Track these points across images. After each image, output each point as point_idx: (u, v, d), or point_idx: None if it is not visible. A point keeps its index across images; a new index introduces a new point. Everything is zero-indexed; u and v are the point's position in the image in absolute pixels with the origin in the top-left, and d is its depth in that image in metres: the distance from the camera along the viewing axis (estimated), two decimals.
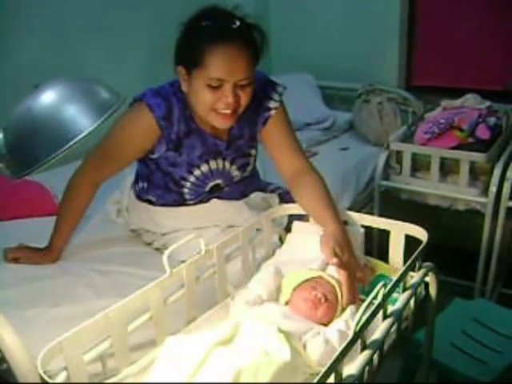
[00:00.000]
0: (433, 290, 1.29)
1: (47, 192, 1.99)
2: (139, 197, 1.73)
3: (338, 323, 1.15)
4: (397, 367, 1.78)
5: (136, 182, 1.75)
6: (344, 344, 0.90)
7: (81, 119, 0.74)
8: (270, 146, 1.62)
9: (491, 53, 2.77)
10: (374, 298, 0.98)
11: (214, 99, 1.39)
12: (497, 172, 2.10)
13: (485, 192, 2.16)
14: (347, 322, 1.14)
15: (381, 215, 2.30)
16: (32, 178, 2.06)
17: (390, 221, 1.36)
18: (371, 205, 2.38)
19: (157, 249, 1.72)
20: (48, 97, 0.76)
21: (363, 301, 1.26)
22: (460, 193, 2.20)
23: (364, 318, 0.94)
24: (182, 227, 1.68)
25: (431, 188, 2.25)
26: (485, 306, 2.04)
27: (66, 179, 1.62)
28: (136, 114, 1.49)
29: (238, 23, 1.38)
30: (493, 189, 2.10)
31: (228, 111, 1.42)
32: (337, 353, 0.88)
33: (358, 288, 1.29)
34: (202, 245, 1.22)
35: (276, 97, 1.59)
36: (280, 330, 1.01)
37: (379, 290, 0.99)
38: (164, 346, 1.01)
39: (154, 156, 1.56)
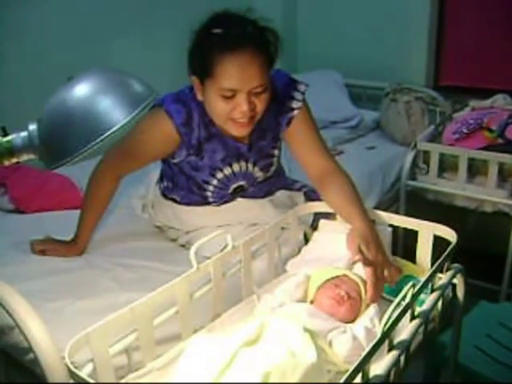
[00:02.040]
0: (460, 292, 1.28)
1: (74, 185, 2.01)
2: (164, 195, 1.73)
3: (364, 320, 1.14)
4: (420, 369, 1.76)
5: (161, 179, 1.75)
6: (372, 344, 0.89)
7: (114, 112, 0.73)
8: (295, 146, 1.58)
9: None
10: (403, 298, 0.97)
11: (228, 109, 1.36)
12: None
13: None
14: (372, 319, 1.14)
15: (406, 215, 2.27)
16: (58, 172, 2.09)
17: (419, 221, 1.34)
18: (397, 205, 2.35)
19: (181, 245, 1.72)
20: (82, 89, 0.75)
21: (391, 301, 1.26)
22: (488, 194, 2.16)
23: (392, 318, 0.92)
24: (205, 225, 1.68)
25: (458, 189, 2.22)
26: (510, 309, 2.01)
27: None
28: (155, 121, 1.47)
29: (248, 29, 1.33)
30: None
31: (244, 120, 1.38)
32: (364, 352, 0.86)
33: (385, 287, 1.28)
34: (229, 240, 1.21)
35: (299, 96, 1.55)
36: (305, 330, 1.00)
37: (408, 291, 0.98)
38: (189, 346, 1.00)
39: (174, 160, 1.55)
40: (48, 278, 1.47)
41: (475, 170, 2.20)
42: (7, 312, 1.08)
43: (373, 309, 1.17)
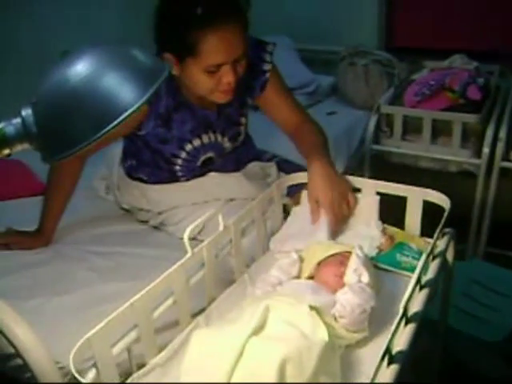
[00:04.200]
0: (450, 257, 1.27)
1: (28, 170, 1.86)
2: (130, 175, 1.64)
3: (348, 277, 1.08)
4: None
5: (124, 159, 1.66)
6: (395, 323, 0.85)
7: (125, 89, 0.63)
8: (271, 108, 1.58)
9: (475, 12, 2.73)
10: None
11: (214, 82, 1.32)
12: (489, 133, 2.07)
13: (477, 153, 2.14)
14: (356, 271, 1.08)
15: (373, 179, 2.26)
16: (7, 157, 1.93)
17: (408, 187, 1.31)
18: (362, 169, 2.33)
19: (154, 227, 1.64)
20: (86, 65, 0.64)
21: (386, 270, 1.23)
22: (453, 155, 2.16)
23: (410, 294, 0.89)
24: (178, 204, 1.60)
25: (423, 151, 2.21)
26: (481, 266, 2.06)
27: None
28: None
29: None
30: (486, 149, 2.08)
31: (231, 87, 1.34)
32: (391, 332, 0.83)
33: (380, 258, 1.27)
34: (220, 221, 1.14)
35: (268, 57, 1.52)
36: (311, 308, 0.96)
37: (422, 267, 0.95)
38: (193, 342, 0.92)
39: (141, 133, 1.46)
40: (17, 274, 1.36)
41: (438, 131, 2.20)
42: None
43: (355, 258, 1.11)
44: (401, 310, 0.87)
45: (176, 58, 1.30)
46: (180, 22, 1.25)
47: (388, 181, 1.34)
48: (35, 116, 0.64)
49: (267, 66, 1.51)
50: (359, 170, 2.35)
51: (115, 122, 0.61)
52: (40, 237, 1.51)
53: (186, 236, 1.05)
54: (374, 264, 1.26)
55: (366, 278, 1.07)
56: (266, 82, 1.52)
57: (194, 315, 1.12)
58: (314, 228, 1.35)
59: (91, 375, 0.86)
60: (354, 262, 1.10)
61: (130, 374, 0.97)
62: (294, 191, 1.53)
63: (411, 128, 2.25)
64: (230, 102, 1.50)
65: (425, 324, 1.60)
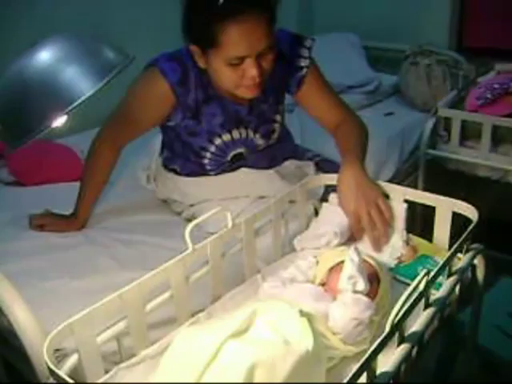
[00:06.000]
0: (480, 274, 1.18)
1: (76, 156, 1.93)
2: (165, 166, 1.66)
3: (342, 284, 1.03)
4: (435, 350, 1.68)
5: (161, 150, 1.69)
6: (378, 340, 0.80)
7: (80, 82, 0.63)
8: (310, 105, 1.54)
9: None
10: (416, 288, 0.87)
11: (237, 76, 1.29)
12: None
13: None
14: (351, 278, 1.03)
15: (425, 186, 2.16)
16: (61, 141, 2.01)
17: (437, 196, 1.24)
18: (415, 175, 2.23)
19: (187, 219, 1.64)
20: (43, 57, 0.65)
21: (404, 283, 1.17)
22: None
23: (403, 309, 0.83)
24: (209, 198, 1.60)
25: (481, 158, 2.09)
26: None
27: None
28: (148, 81, 1.40)
29: None
30: None
31: (255, 83, 1.31)
32: (371, 349, 0.78)
33: (399, 269, 1.21)
34: (228, 219, 1.13)
35: (305, 53, 1.48)
36: (302, 314, 0.91)
37: (422, 279, 0.88)
38: (174, 339, 0.91)
39: (171, 124, 1.47)
40: (45, 255, 1.41)
41: (499, 138, 2.07)
42: None
43: (349, 264, 1.05)
44: (387, 328, 0.81)
45: (201, 50, 1.30)
46: (202, 12, 1.24)
47: (442, 190, 1.27)
48: None
49: (304, 62, 1.48)
50: (412, 176, 2.25)
51: (64, 112, 0.61)
52: (74, 221, 1.55)
53: (187, 232, 1.05)
54: (393, 276, 1.21)
55: (361, 285, 1.02)
56: (302, 78, 1.49)
57: (198, 313, 1.11)
58: (335, 230, 1.30)
59: (72, 360, 0.88)
60: (348, 268, 1.04)
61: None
62: (328, 193, 1.48)
63: (471, 134, 2.13)
64: (265, 98, 1.49)
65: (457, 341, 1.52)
